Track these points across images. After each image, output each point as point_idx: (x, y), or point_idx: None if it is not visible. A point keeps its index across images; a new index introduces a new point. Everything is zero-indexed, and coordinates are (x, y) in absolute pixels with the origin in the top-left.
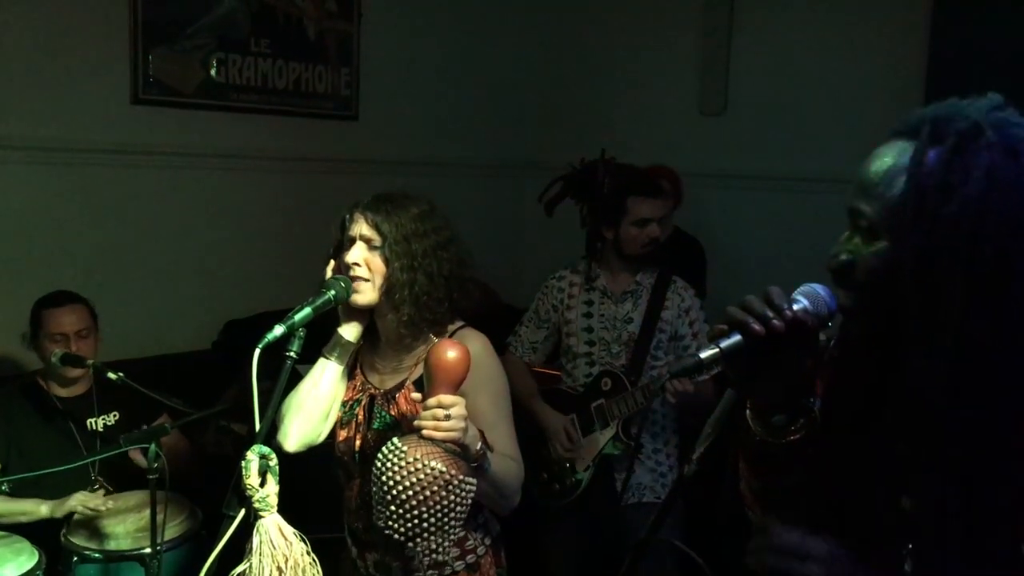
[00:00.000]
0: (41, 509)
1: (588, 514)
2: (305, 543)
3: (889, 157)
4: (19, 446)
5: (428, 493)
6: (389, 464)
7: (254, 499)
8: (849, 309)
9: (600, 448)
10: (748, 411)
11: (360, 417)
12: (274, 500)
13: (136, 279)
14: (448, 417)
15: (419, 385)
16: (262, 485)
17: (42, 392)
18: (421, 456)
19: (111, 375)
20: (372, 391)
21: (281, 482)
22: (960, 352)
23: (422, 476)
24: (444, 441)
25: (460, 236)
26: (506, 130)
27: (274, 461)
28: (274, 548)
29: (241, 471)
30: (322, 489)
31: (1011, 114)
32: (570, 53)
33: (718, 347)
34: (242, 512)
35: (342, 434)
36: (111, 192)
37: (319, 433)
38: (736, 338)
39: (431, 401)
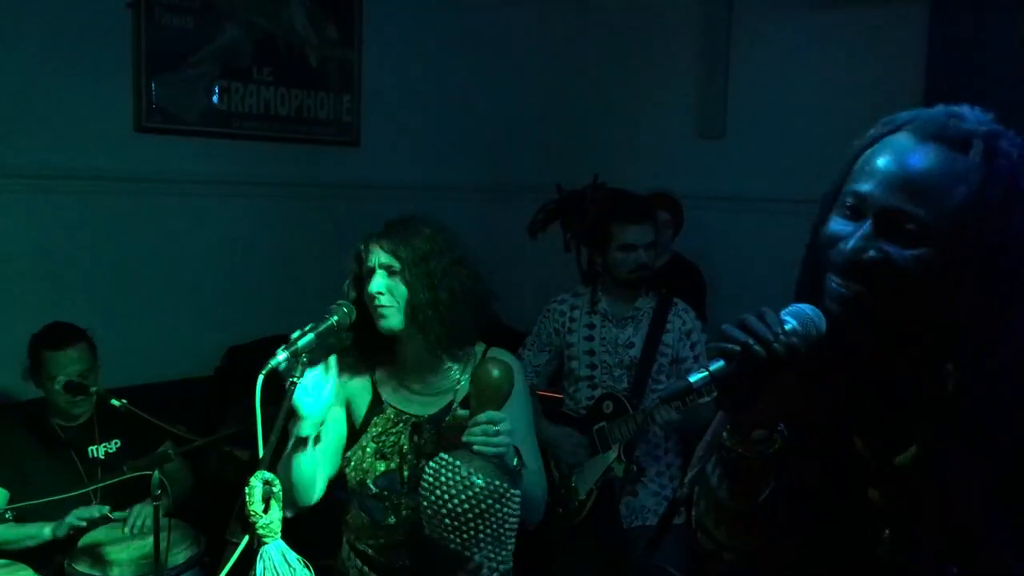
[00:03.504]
0: (44, 531)
1: (591, 537)
2: (309, 570)
3: (943, 165)
4: (22, 475)
5: (484, 507)
6: (443, 479)
7: (257, 525)
8: (856, 304)
9: (602, 471)
10: (727, 428)
11: (405, 448)
12: (278, 526)
13: (139, 305)
14: (498, 433)
15: (464, 403)
16: (265, 511)
17: (43, 421)
18: (475, 470)
19: (114, 402)
20: (414, 420)
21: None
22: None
23: (477, 490)
24: (494, 456)
25: (471, 255)
26: (506, 154)
27: (278, 487)
28: (278, 575)
29: (244, 497)
30: (326, 516)
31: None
32: (570, 78)
33: (708, 371)
34: (246, 539)
35: (380, 467)
36: (114, 219)
37: (311, 496)
38: (723, 362)
39: (481, 417)
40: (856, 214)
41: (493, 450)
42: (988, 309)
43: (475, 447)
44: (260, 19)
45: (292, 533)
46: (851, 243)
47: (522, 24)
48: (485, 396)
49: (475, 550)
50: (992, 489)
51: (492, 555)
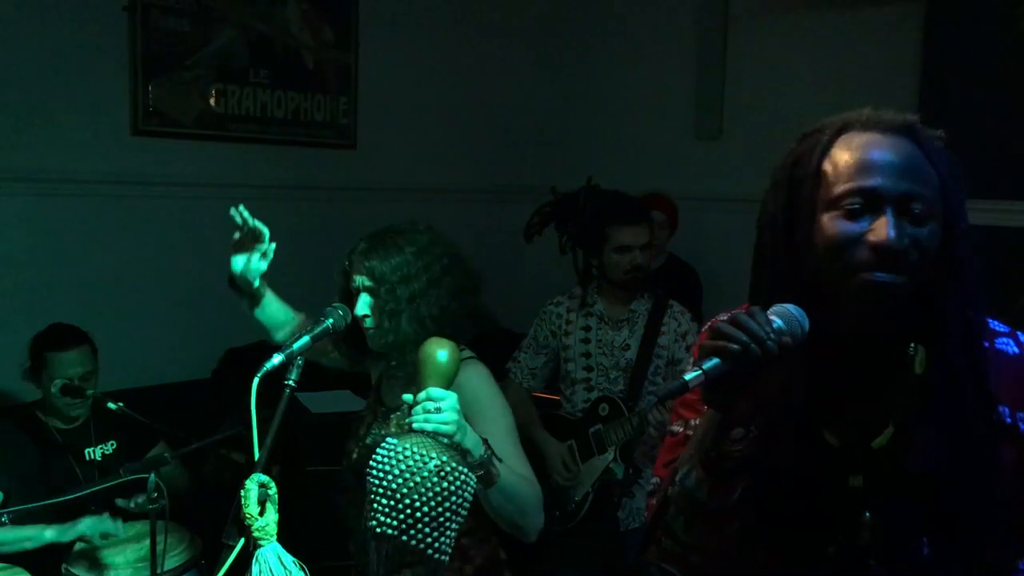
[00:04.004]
0: (45, 534)
1: (588, 539)
2: (305, 572)
3: (913, 150)
4: (19, 479)
5: (419, 479)
6: (379, 457)
7: (253, 528)
8: (898, 292)
9: (599, 473)
10: (714, 427)
11: (361, 432)
12: (273, 529)
13: (136, 308)
14: (439, 410)
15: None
16: (261, 514)
17: (40, 424)
18: (410, 445)
19: (111, 405)
20: (380, 408)
21: (284, 509)
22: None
23: (411, 463)
24: (436, 433)
25: (458, 266)
26: (503, 156)
27: (273, 490)
28: None
29: (240, 500)
30: (326, 516)
31: None
32: (566, 79)
33: (702, 370)
34: (241, 541)
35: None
36: (111, 222)
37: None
38: (717, 360)
39: (420, 395)
40: (865, 210)
41: (433, 426)
42: (979, 275)
43: (414, 425)
44: (256, 22)
45: (288, 536)
46: (890, 232)
47: (518, 27)
48: (427, 373)
49: (411, 533)
50: (964, 465)
51: (430, 539)
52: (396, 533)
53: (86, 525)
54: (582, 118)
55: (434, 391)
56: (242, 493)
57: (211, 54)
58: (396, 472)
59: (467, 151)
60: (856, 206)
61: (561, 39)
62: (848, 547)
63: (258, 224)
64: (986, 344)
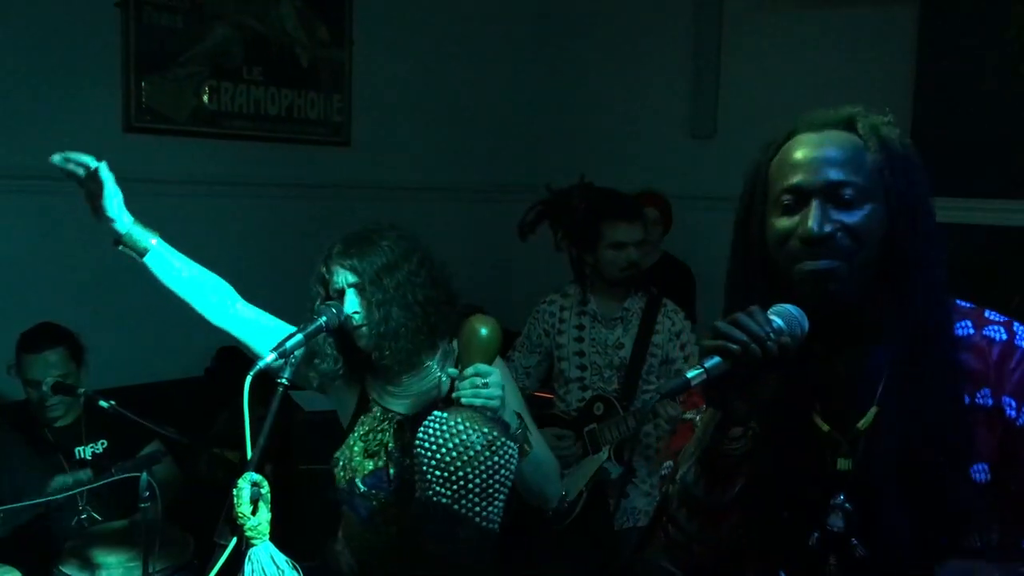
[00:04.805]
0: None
1: (582, 539)
2: (298, 571)
3: (848, 141)
4: (10, 477)
5: (472, 453)
6: (431, 431)
7: (246, 527)
8: (831, 277)
9: (593, 473)
10: (713, 425)
11: (391, 446)
12: (266, 528)
13: (128, 306)
14: (486, 385)
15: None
16: (254, 513)
17: (30, 422)
18: (462, 420)
19: (102, 403)
20: (399, 418)
21: (277, 507)
22: (943, 278)
23: (464, 437)
24: (483, 408)
25: (432, 258)
26: (497, 154)
27: (266, 489)
28: None
29: (233, 499)
30: (316, 518)
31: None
32: (561, 78)
33: (704, 368)
34: (234, 540)
35: (368, 466)
36: None
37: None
38: (719, 359)
39: (468, 370)
40: (797, 205)
41: (481, 401)
42: (923, 250)
43: (463, 400)
44: (250, 19)
45: (281, 535)
46: (810, 223)
47: (512, 24)
48: (472, 349)
49: (462, 503)
50: (934, 445)
51: (479, 508)
52: (449, 502)
53: (58, 482)
54: (576, 116)
55: (481, 367)
56: (234, 492)
57: (205, 51)
58: (450, 445)
59: (461, 149)
60: (788, 202)
61: (556, 37)
62: (831, 529)
63: (83, 158)
64: (972, 331)
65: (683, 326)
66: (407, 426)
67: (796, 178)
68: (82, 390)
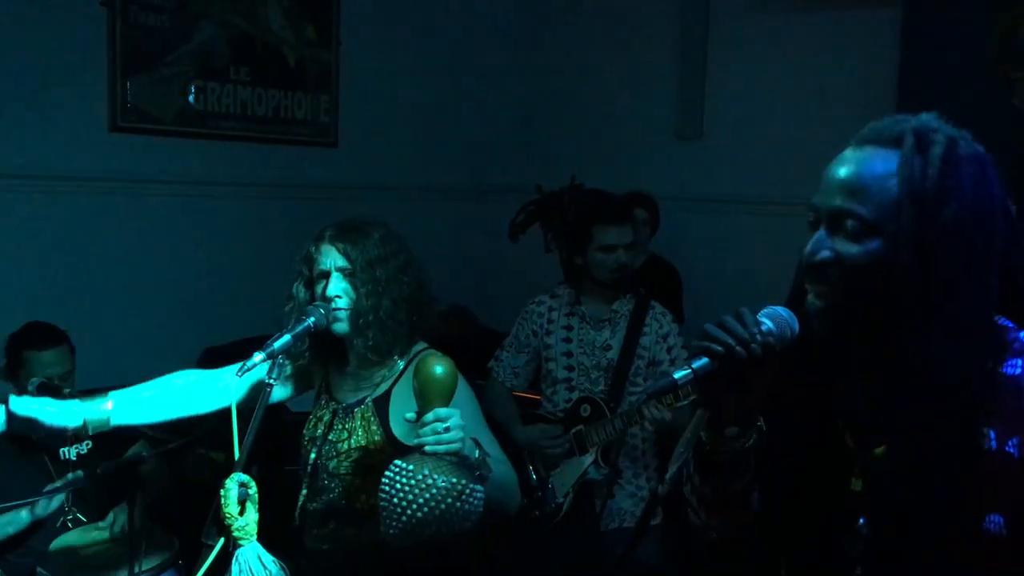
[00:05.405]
0: (21, 515)
1: (569, 540)
2: (284, 571)
3: (876, 163)
4: None
5: (443, 507)
6: (399, 485)
7: (233, 528)
8: (823, 304)
9: (580, 474)
10: (705, 424)
11: (320, 431)
12: (253, 528)
13: (114, 306)
14: (448, 429)
15: (380, 405)
16: (241, 513)
17: None
18: (430, 472)
19: None
20: (335, 406)
21: (264, 508)
22: (953, 329)
23: (434, 491)
24: (447, 454)
25: (417, 259)
26: (484, 155)
27: (253, 489)
28: None
29: (220, 499)
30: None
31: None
32: (548, 79)
33: (691, 369)
34: (221, 541)
35: (306, 446)
36: (89, 219)
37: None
38: (706, 360)
39: (428, 416)
40: (814, 225)
41: (446, 447)
42: (927, 299)
43: (427, 448)
44: (237, 19)
45: (268, 535)
46: (808, 247)
47: (501, 25)
48: (431, 393)
49: (433, 543)
50: (950, 484)
51: (447, 541)
52: (415, 547)
53: (59, 499)
54: (564, 117)
55: (441, 411)
56: (221, 492)
57: (191, 51)
58: (420, 501)
59: (449, 149)
60: (811, 219)
61: (544, 38)
62: (840, 549)
63: None
64: (1020, 371)
65: (670, 328)
66: (338, 415)
67: (815, 196)
68: (67, 390)
